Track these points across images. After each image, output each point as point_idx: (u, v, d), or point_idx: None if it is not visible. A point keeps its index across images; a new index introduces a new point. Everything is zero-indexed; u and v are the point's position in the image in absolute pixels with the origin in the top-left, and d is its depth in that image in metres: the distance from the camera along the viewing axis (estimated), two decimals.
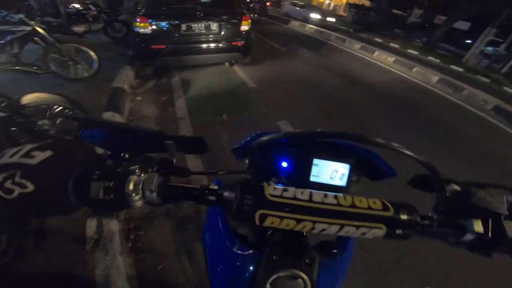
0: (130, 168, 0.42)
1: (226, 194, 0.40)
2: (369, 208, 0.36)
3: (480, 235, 0.37)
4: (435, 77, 6.01)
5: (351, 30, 12.83)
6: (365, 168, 0.58)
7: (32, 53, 3.56)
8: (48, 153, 0.41)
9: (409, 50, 9.48)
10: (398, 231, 0.35)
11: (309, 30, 11.16)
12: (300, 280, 0.40)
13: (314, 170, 0.59)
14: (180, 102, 3.55)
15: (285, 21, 13.19)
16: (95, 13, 6.85)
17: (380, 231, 0.35)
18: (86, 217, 1.64)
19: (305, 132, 0.41)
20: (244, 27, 4.36)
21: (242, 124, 3.12)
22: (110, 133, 0.49)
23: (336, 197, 0.36)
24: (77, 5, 6.98)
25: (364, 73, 5.89)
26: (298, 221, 0.35)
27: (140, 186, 0.40)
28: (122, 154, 0.46)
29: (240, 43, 4.41)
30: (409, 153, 0.38)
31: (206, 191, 0.42)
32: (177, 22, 3.95)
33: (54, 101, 2.17)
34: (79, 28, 6.40)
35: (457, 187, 0.41)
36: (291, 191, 0.36)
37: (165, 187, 0.42)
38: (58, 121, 2.23)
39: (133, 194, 0.39)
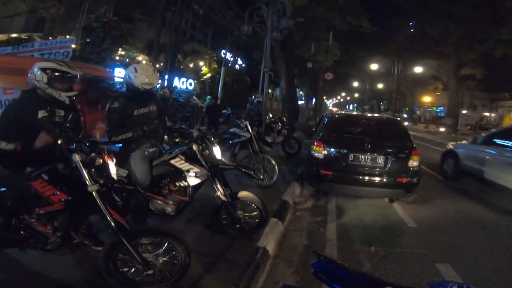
0: None
1: None
2: None
3: None
4: None
5: None
6: None
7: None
8: None
9: None
10: None
11: None
12: None
13: None
14: (331, 226, 3.78)
15: None
16: (280, 127, 7.82)
17: None
18: None
19: None
20: (413, 163, 4.19)
21: (390, 259, 2.94)
22: (346, 274, 0.77)
23: None
24: (270, 116, 7.84)
25: None
26: None
27: None
28: None
29: (405, 180, 4.15)
30: None
31: None
32: (346, 151, 4.27)
33: (254, 201, 2.93)
34: (269, 138, 7.01)
35: None
36: None
37: None
38: (246, 216, 2.95)
39: None
